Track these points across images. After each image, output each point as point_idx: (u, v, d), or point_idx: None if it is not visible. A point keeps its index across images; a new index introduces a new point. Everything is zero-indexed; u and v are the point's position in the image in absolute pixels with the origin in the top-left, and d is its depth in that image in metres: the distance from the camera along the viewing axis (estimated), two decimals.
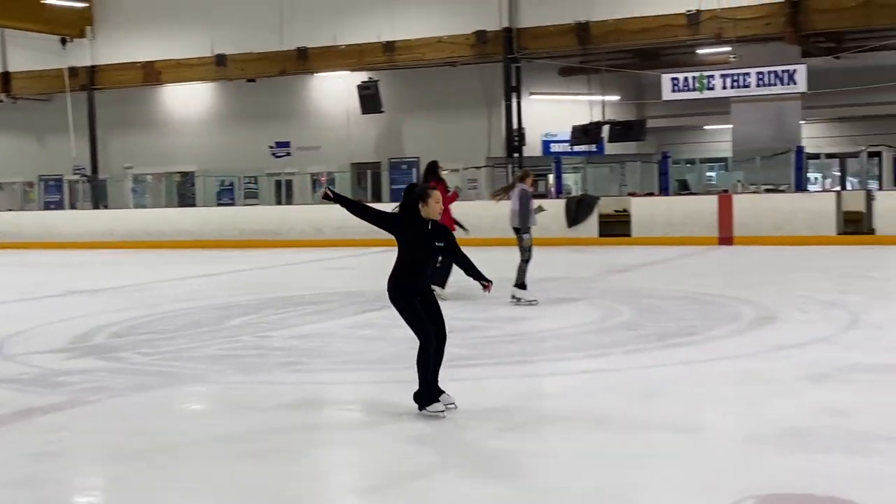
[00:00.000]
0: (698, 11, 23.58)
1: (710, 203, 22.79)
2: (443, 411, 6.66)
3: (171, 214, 29.91)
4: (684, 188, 27.52)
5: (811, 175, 26.96)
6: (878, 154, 26.00)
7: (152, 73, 31.29)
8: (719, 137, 31.39)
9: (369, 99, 28.73)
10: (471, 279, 7.00)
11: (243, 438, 6.57)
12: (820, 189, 26.44)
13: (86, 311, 13.44)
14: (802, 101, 24.24)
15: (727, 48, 24.77)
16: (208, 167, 32.68)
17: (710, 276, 16.39)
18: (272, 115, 32.51)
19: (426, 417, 6.95)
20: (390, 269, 6.76)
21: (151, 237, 27.50)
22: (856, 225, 21.49)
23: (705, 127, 33.66)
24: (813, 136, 31.15)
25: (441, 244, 6.94)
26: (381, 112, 29.21)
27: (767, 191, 23.92)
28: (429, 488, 5.45)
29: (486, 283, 6.94)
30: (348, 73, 29.64)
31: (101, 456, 6.46)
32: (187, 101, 34.13)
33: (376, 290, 14.81)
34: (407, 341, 10.25)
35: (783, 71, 23.02)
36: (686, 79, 24.14)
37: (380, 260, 20.31)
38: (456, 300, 13.39)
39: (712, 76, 23.81)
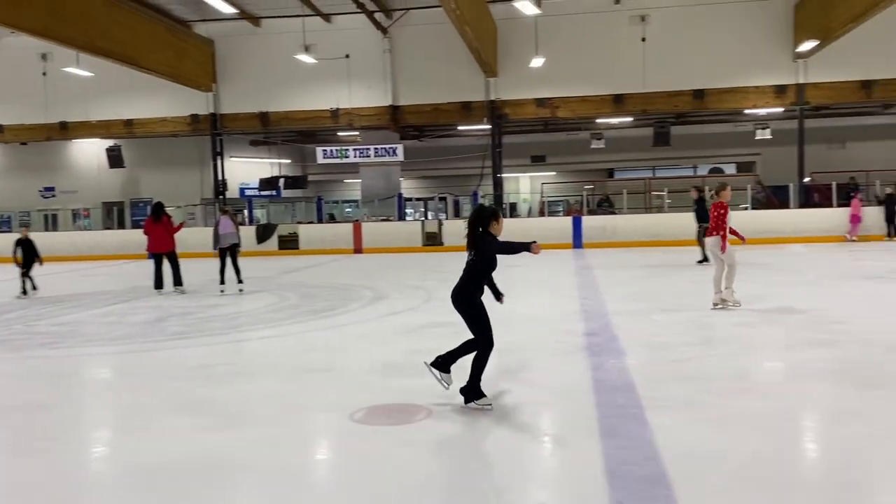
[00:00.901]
0: (338, 109, 24.04)
1: (348, 227, 23.18)
2: (490, 405, 5.10)
3: None
4: (332, 219, 27.86)
5: (408, 210, 28.17)
6: (445, 198, 27.64)
7: None
8: (354, 187, 32.06)
9: (115, 158, 26.62)
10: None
11: (13, 397, 6.15)
12: (413, 219, 27.57)
13: None
14: (401, 166, 25.31)
15: (356, 132, 25.40)
16: None
17: (347, 273, 16.63)
18: (41, 167, 29.49)
19: (148, 375, 6.72)
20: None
21: None
22: (433, 240, 22.56)
23: (345, 180, 34.26)
24: (408, 187, 32.66)
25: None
26: (124, 167, 27.16)
27: (382, 220, 24.78)
28: (151, 421, 5.30)
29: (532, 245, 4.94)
30: (99, 139, 27.26)
31: None
32: None
33: (120, 290, 14.00)
34: (140, 325, 9.82)
35: (389, 147, 23.99)
36: (332, 150, 24.53)
37: (124, 269, 19.05)
38: (174, 294, 12.85)
39: (348, 149, 24.35)
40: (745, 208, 22.65)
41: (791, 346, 7.19)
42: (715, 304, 9.25)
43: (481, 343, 5.11)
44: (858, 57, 21.43)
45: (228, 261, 12.86)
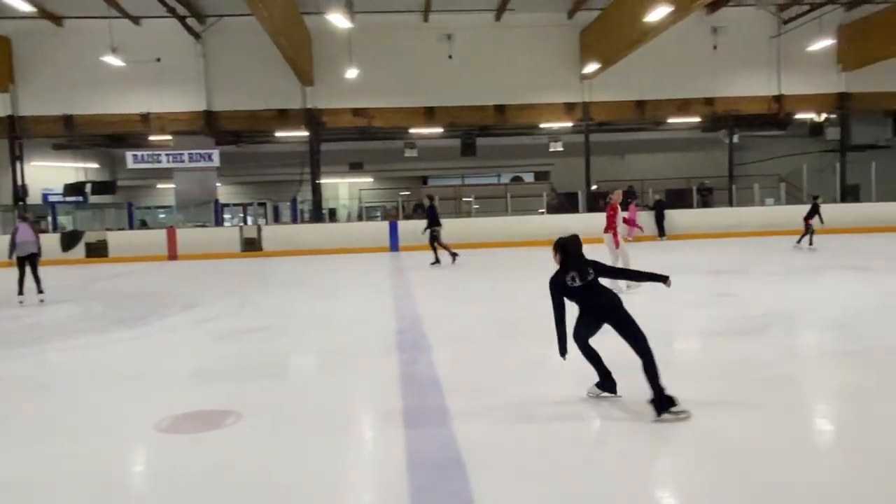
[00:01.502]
0: (148, 113, 22.58)
1: (162, 234, 21.76)
2: (685, 411, 4.42)
3: None
4: (145, 225, 26.06)
5: (226, 215, 26.98)
6: (264, 204, 26.86)
7: None
8: (168, 193, 30.12)
9: None
10: None
11: None
12: (231, 224, 26.42)
13: None
14: (218, 172, 24.20)
15: (169, 137, 23.89)
16: None
17: (160, 280, 15.60)
18: None
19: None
20: None
21: None
22: (252, 245, 21.78)
23: (158, 186, 32.14)
24: (226, 192, 31.24)
25: None
26: None
27: (198, 226, 23.56)
28: None
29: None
30: None
31: None
32: None
33: None
34: None
35: (205, 153, 22.79)
36: (143, 155, 22.89)
37: None
38: None
39: (160, 154, 22.87)
40: (542, 212, 24.05)
41: None
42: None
43: (649, 351, 4.56)
44: (633, 80, 23.51)
45: (28, 270, 11.66)
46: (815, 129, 26.71)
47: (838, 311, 8.39)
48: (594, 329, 4.88)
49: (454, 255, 15.83)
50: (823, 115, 25.96)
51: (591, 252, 5.04)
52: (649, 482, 3.77)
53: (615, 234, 10.35)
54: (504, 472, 3.80)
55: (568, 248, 4.84)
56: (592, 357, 4.92)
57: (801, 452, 3.99)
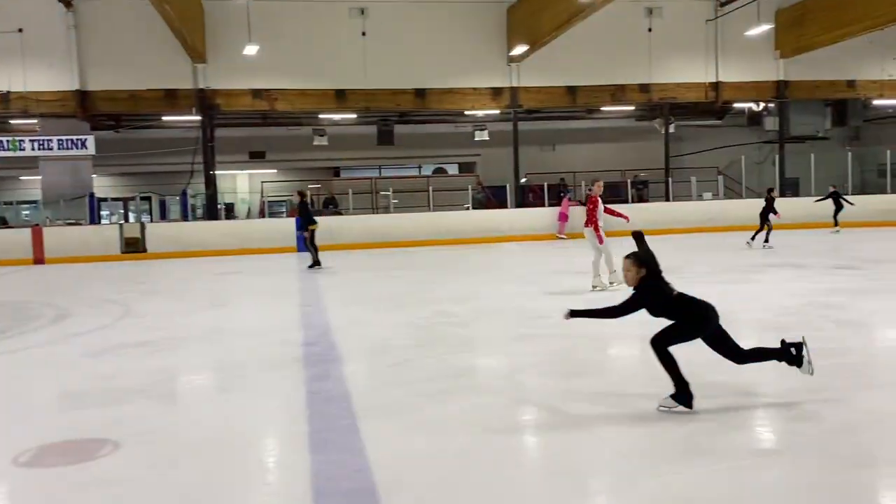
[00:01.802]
0: (8, 92, 21.50)
1: (26, 234, 20.77)
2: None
3: None
4: (4, 223, 24.83)
5: (103, 212, 25.89)
6: (149, 198, 26.05)
7: None
8: (32, 185, 28.75)
9: None
10: None
11: None
12: (109, 222, 25.37)
13: None
14: (93, 161, 23.27)
15: (35, 120, 22.82)
16: None
17: (23, 288, 14.99)
18: None
19: None
20: None
21: None
22: (134, 246, 21.07)
23: (21, 178, 30.56)
24: (103, 185, 30.05)
25: None
26: None
27: (70, 224, 22.60)
28: None
29: None
30: None
31: None
32: None
33: None
34: None
35: (77, 139, 21.94)
36: (2, 141, 21.85)
37: None
38: None
39: (23, 140, 21.86)
40: (467, 208, 24.26)
41: (501, 342, 7.81)
42: (594, 287, 10.61)
43: (752, 352, 5.10)
44: (564, 64, 24.02)
45: None
46: (754, 119, 27.98)
47: (775, 312, 8.80)
48: (687, 340, 4.95)
49: (318, 262, 15.75)
50: (762, 105, 27.21)
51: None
52: (587, 499, 3.84)
53: (597, 228, 10.87)
54: (421, 500, 3.80)
55: (653, 263, 4.97)
56: (671, 363, 4.88)
57: (740, 457, 4.15)
